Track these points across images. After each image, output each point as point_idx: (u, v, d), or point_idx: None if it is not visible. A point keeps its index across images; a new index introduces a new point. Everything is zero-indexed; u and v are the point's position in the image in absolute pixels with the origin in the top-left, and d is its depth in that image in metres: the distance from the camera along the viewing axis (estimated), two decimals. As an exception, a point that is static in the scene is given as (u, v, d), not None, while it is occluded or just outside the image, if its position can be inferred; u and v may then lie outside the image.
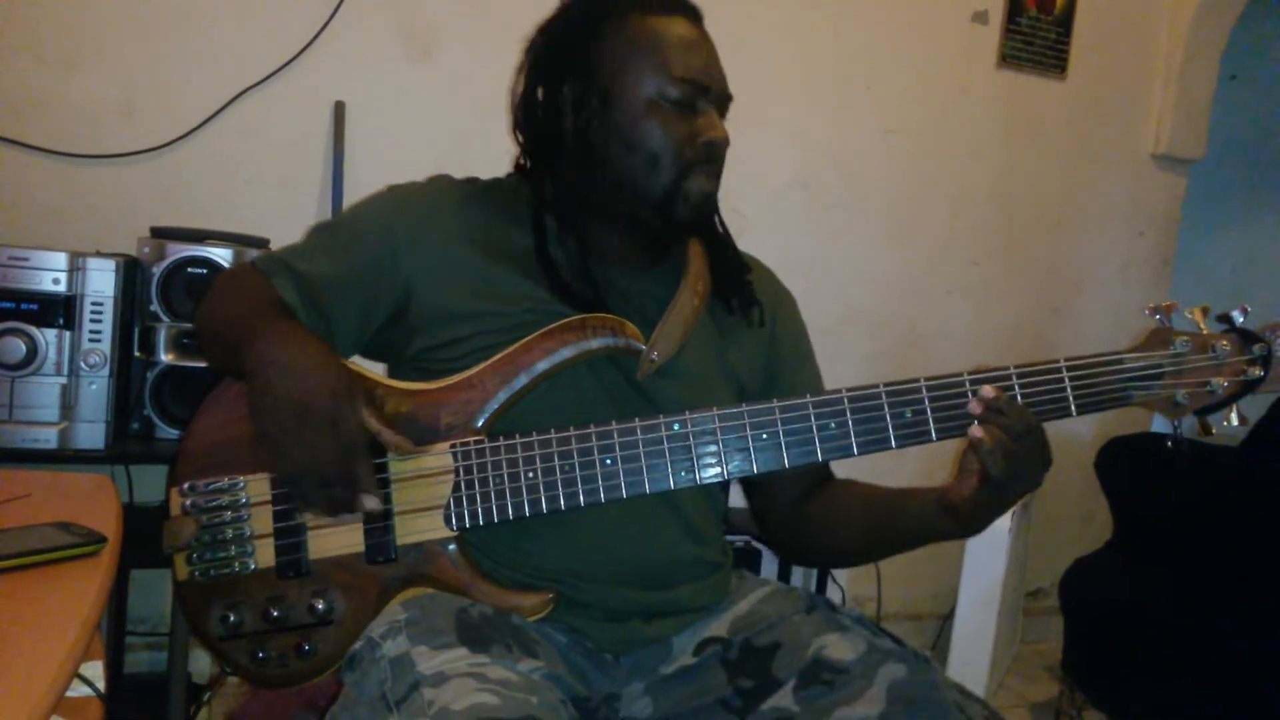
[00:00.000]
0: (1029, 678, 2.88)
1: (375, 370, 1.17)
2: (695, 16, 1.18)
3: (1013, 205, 3.01)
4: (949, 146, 2.90)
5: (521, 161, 1.25)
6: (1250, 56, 3.66)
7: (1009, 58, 2.91)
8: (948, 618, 2.69)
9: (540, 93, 1.19)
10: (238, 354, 1.06)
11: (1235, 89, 3.67)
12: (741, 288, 1.25)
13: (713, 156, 1.14)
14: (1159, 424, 1.07)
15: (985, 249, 2.99)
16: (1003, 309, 3.04)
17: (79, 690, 0.88)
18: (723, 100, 1.17)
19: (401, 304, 1.15)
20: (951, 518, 1.09)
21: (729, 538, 1.33)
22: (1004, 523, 2.43)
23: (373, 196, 1.22)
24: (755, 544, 2.34)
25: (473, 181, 1.25)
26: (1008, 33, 2.89)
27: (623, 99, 1.12)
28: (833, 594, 2.48)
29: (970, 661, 2.47)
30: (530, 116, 1.21)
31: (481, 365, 1.11)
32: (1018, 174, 3.00)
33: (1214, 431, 1.09)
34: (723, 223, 1.26)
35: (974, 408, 1.04)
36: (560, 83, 1.16)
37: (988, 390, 1.04)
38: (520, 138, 1.23)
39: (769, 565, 2.33)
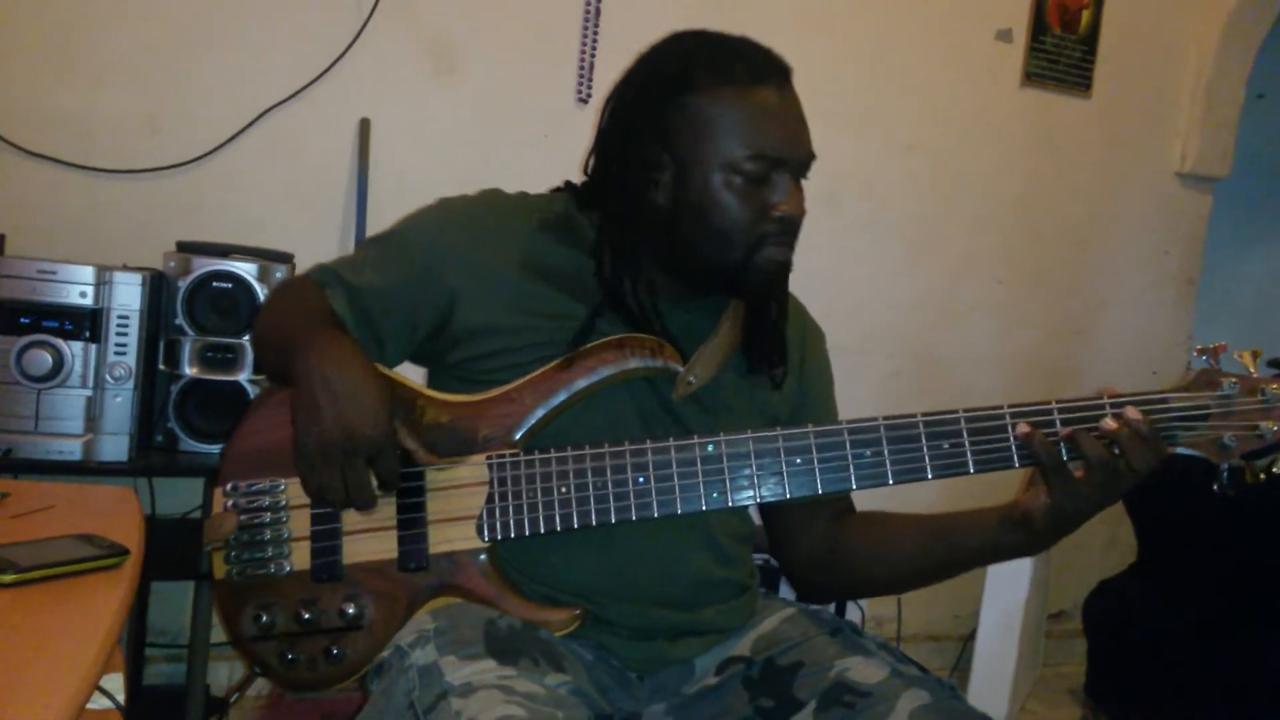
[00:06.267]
0: (1051, 701, 2.84)
1: (416, 375, 1.18)
2: (781, 80, 1.15)
3: (1036, 224, 2.99)
4: (972, 165, 2.89)
5: (580, 188, 1.23)
6: (1278, 75, 3.64)
7: (1033, 76, 2.89)
8: (969, 639, 2.66)
9: (621, 143, 1.16)
10: (289, 361, 1.08)
11: (1262, 108, 3.64)
12: (767, 352, 1.22)
13: (786, 229, 1.13)
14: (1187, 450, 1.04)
15: (1008, 268, 2.97)
16: (1025, 329, 3.01)
17: (99, 702, 0.88)
18: (803, 166, 1.16)
19: (445, 316, 1.16)
20: (1022, 530, 1.08)
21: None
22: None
23: (424, 209, 1.23)
24: (774, 562, 2.32)
25: (524, 196, 1.25)
26: (1032, 51, 2.88)
27: (696, 172, 1.10)
28: (852, 614, 2.46)
29: (992, 684, 2.45)
30: (608, 163, 1.18)
31: (521, 380, 1.12)
32: (1041, 192, 2.98)
33: (1264, 477, 1.05)
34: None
35: (1109, 424, 1.01)
36: (640, 143, 1.14)
37: (1134, 413, 1.01)
38: (590, 172, 1.22)
39: (786, 585, 2.32)
